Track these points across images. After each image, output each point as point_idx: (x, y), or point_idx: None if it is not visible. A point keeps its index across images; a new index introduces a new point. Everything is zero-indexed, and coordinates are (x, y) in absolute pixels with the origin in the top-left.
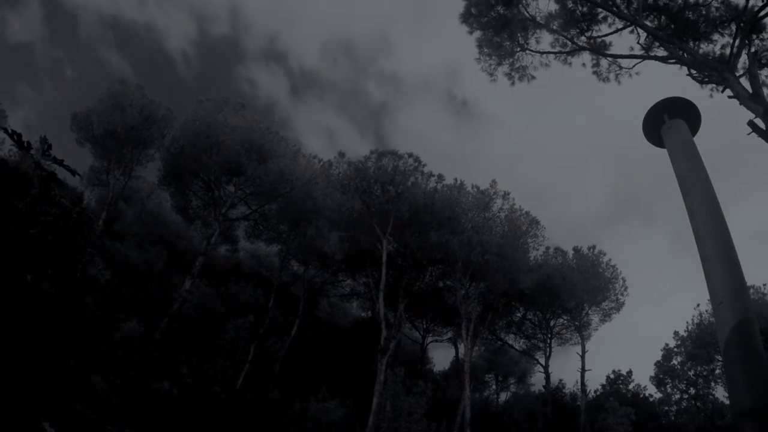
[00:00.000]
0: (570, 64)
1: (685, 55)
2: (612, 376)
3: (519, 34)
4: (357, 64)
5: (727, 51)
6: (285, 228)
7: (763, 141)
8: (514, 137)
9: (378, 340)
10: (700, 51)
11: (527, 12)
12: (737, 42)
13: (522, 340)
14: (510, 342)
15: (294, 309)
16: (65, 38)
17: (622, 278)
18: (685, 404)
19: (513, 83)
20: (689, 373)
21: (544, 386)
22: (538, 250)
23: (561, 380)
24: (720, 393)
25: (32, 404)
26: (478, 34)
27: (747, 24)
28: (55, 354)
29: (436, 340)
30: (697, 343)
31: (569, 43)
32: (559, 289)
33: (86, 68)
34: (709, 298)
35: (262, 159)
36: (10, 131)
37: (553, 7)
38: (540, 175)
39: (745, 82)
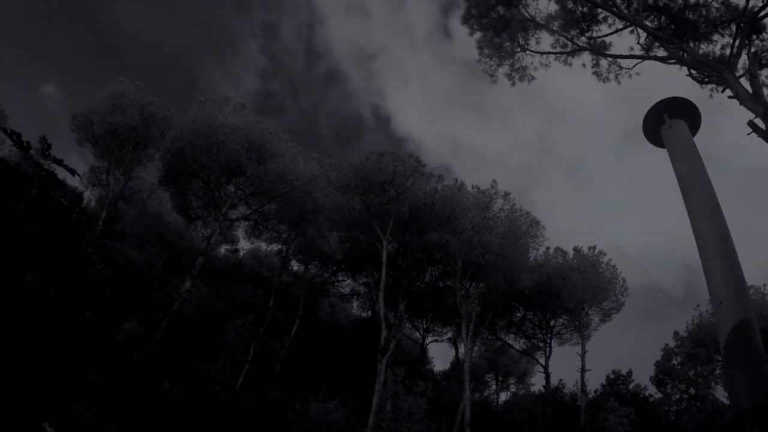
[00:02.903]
0: (570, 64)
1: (685, 55)
2: (612, 376)
3: (519, 35)
4: None
5: (727, 51)
6: (285, 228)
7: (763, 141)
8: None
9: (378, 340)
10: (700, 51)
11: (527, 13)
12: (737, 42)
13: (522, 340)
14: (510, 342)
15: (294, 309)
16: None
17: (622, 278)
18: (685, 404)
19: (513, 84)
20: (689, 373)
21: (544, 386)
22: (538, 250)
23: (561, 380)
24: (720, 393)
25: (32, 404)
26: (478, 35)
27: (747, 24)
28: (55, 354)
29: (436, 340)
30: (697, 344)
31: (569, 43)
32: (559, 289)
33: None
34: (709, 298)
35: (262, 159)
36: (9, 131)
37: (553, 7)
38: None
39: (745, 82)
